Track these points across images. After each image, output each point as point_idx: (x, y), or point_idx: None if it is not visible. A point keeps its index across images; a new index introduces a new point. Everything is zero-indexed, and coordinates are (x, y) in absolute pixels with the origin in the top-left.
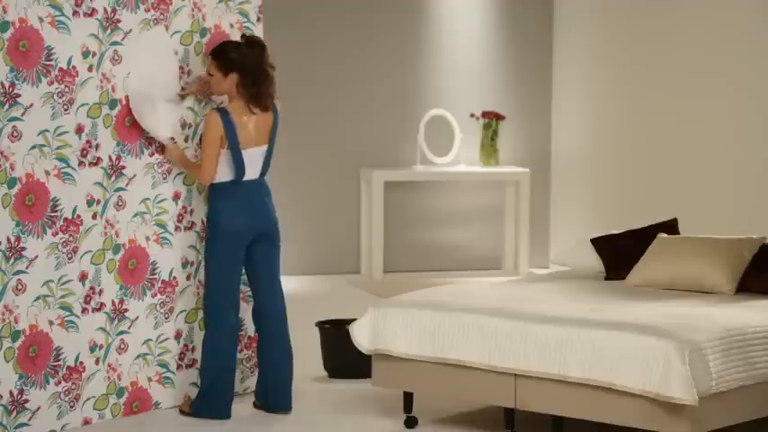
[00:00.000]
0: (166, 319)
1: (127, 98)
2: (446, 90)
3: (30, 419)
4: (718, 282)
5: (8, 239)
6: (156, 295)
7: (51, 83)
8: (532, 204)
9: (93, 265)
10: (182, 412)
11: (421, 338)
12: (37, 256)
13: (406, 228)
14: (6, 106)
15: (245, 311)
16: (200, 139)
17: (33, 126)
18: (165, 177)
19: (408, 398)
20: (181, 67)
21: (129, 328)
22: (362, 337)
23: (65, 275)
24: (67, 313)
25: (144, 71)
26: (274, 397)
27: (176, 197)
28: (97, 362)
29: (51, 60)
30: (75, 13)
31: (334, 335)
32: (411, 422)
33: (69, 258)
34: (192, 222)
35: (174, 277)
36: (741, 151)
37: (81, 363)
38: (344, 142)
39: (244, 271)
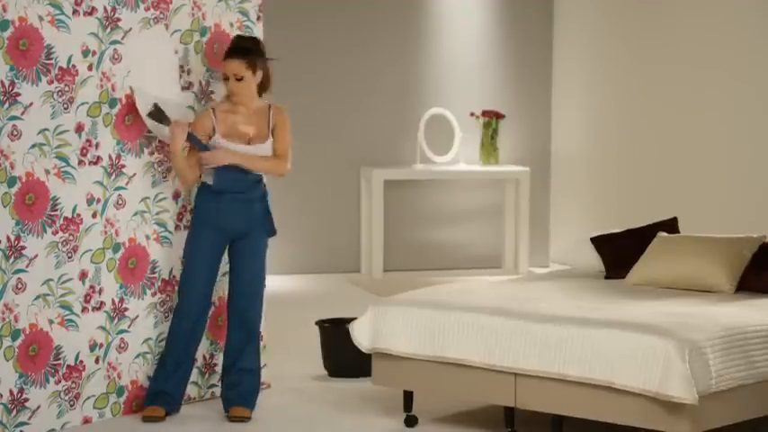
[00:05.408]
0: (166, 318)
1: (128, 97)
2: (446, 88)
3: (30, 418)
4: (718, 281)
5: (8, 238)
6: (155, 294)
7: (51, 82)
8: (532, 203)
9: (92, 263)
10: (243, 419)
11: (421, 337)
12: (37, 255)
13: (405, 226)
14: (6, 105)
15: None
16: (272, 133)
17: (33, 125)
18: (164, 176)
19: (408, 397)
20: (181, 66)
21: (128, 326)
22: (362, 336)
23: (65, 274)
24: (67, 312)
25: (146, 71)
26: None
27: (176, 196)
28: (97, 361)
29: (51, 59)
30: (74, 11)
31: (334, 334)
32: (411, 421)
33: (69, 257)
34: None
35: (174, 276)
36: (741, 150)
37: (81, 362)
38: (344, 141)
39: (211, 270)
